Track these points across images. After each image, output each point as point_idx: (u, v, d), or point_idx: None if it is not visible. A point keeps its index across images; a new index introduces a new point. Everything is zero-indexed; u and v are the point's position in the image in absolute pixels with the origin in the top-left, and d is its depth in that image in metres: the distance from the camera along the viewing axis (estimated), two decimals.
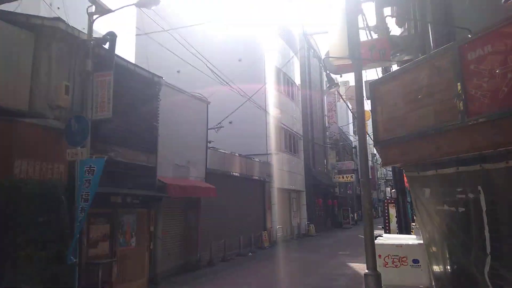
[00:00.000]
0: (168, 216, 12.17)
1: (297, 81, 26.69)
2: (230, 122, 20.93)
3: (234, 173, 17.09)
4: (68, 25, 8.42)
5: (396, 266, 5.03)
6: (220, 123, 15.38)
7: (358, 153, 40.44)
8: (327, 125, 33.38)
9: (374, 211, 48.57)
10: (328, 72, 6.98)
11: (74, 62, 8.64)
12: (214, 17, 20.40)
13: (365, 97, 7.35)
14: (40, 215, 7.22)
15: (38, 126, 7.76)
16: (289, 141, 24.06)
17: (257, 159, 19.89)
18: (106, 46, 9.19)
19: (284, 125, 22.83)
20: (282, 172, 22.35)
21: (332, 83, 6.91)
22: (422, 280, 4.93)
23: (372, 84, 5.16)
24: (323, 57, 6.60)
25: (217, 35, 21.79)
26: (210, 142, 14.50)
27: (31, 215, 7.04)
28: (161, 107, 11.39)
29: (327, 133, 33.09)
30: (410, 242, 5.16)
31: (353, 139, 40.70)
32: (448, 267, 4.40)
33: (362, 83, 4.87)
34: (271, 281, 11.05)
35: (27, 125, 7.54)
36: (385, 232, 13.98)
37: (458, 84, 3.94)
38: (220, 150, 15.94)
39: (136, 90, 10.39)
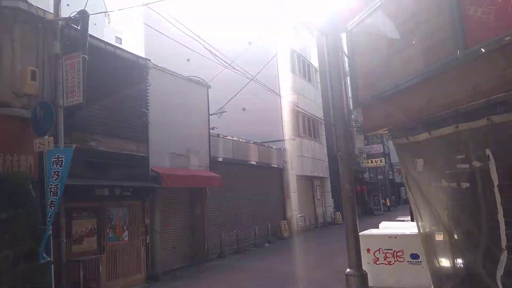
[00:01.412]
0: (170, 207, 11.43)
1: (315, 63, 25.15)
2: (244, 109, 19.96)
3: (248, 161, 16.11)
4: (31, 5, 7.71)
5: (389, 262, 3.82)
6: (222, 107, 14.33)
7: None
8: (351, 107, 31.54)
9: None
10: None
11: (42, 45, 7.94)
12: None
13: None
14: (4, 211, 6.62)
15: (2, 115, 7.15)
16: (308, 126, 22.69)
17: (274, 146, 18.81)
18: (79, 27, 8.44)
19: (301, 109, 21.48)
20: (302, 158, 21.11)
21: None
22: (423, 281, 3.70)
23: (349, 26, 3.95)
24: None
25: (225, 19, 20.74)
26: (213, 129, 13.54)
27: None
28: (152, 92, 10.54)
29: (352, 116, 31.24)
30: (408, 232, 3.93)
31: None
32: (450, 266, 3.19)
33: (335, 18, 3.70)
34: (279, 274, 10.06)
35: None
36: (412, 221, 12.56)
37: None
38: (229, 138, 14.98)
39: (120, 74, 9.60)
